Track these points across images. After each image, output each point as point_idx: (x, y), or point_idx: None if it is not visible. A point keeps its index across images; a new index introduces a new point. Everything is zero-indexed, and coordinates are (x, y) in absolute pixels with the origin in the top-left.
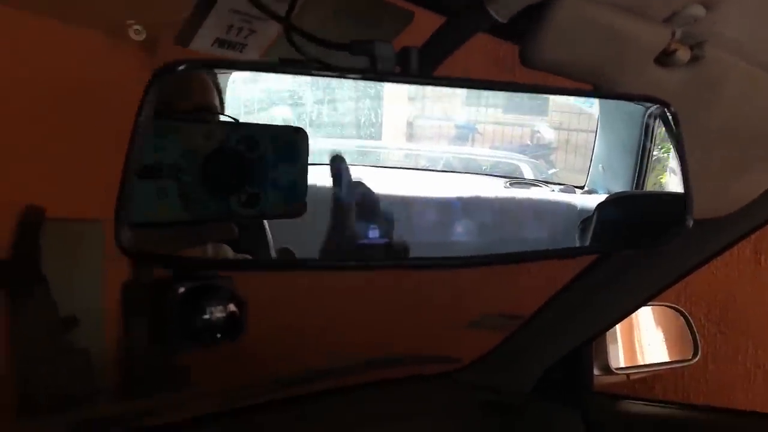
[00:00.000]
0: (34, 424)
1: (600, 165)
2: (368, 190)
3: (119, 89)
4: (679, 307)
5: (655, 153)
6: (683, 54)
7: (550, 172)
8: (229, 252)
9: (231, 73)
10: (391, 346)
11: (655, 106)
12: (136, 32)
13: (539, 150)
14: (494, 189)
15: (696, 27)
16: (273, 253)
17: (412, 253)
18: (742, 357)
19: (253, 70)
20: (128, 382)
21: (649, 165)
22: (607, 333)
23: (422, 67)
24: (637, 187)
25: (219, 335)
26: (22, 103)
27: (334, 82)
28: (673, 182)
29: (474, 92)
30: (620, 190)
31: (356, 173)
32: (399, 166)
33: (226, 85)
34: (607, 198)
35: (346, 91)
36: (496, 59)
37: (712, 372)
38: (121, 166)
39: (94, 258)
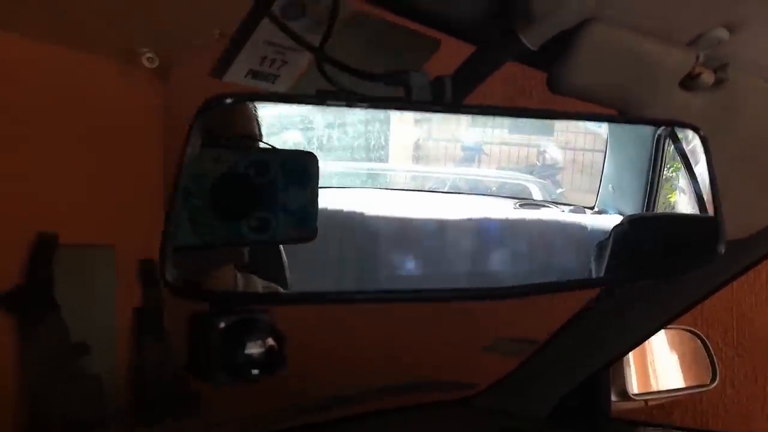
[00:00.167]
0: None
1: (610, 185)
2: (398, 221)
3: (131, 115)
4: (695, 330)
5: (664, 172)
6: (707, 77)
7: (558, 191)
8: (258, 282)
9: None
10: (407, 372)
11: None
12: (149, 60)
13: (546, 170)
14: (504, 210)
15: (719, 50)
16: (288, 280)
17: (442, 284)
18: (761, 381)
19: (292, 102)
20: (140, 407)
21: (659, 185)
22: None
23: (455, 96)
24: (648, 207)
25: (258, 370)
26: (35, 131)
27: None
28: (683, 201)
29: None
30: (632, 211)
31: (368, 196)
32: (407, 188)
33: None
34: (623, 220)
35: (356, 114)
36: (506, 78)
37: (731, 397)
38: (149, 195)
39: (107, 283)
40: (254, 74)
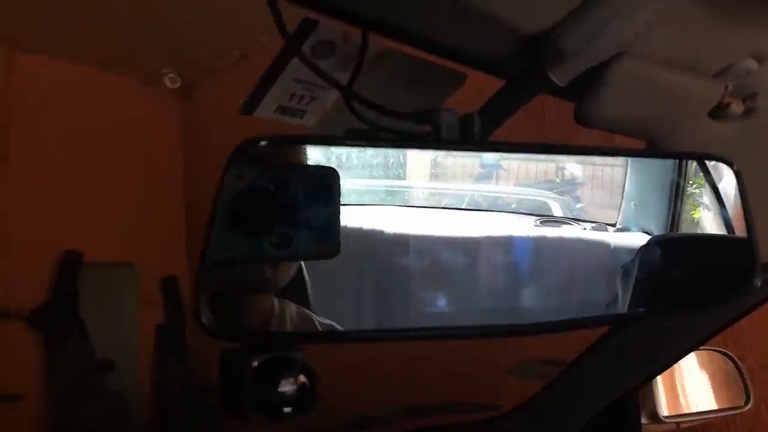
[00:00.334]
0: None
1: (632, 202)
2: (419, 238)
3: (152, 135)
4: (726, 351)
5: (687, 189)
6: (737, 107)
7: (578, 206)
8: (292, 307)
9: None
10: (431, 393)
11: None
12: (172, 80)
13: (565, 185)
14: (526, 228)
15: (749, 80)
16: (311, 299)
17: (465, 309)
18: None
19: (325, 145)
20: (162, 423)
21: (683, 201)
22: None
23: (483, 132)
24: (672, 226)
25: (291, 408)
26: (63, 152)
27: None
28: (707, 218)
29: None
30: (656, 229)
31: (387, 214)
32: (426, 205)
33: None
34: (649, 241)
35: None
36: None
37: (766, 419)
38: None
39: (130, 300)
40: (282, 110)
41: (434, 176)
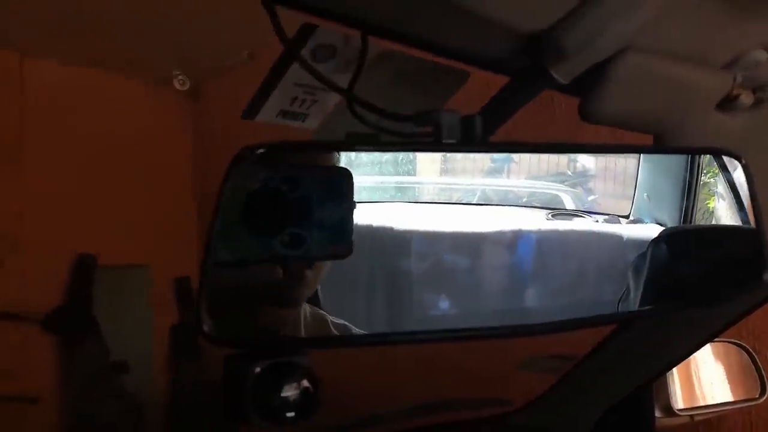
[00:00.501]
0: None
1: (645, 193)
2: (429, 235)
3: (163, 137)
4: (741, 343)
5: (701, 178)
6: (746, 98)
7: (590, 198)
8: (306, 308)
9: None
10: (442, 389)
11: None
12: (181, 82)
13: (577, 178)
14: (537, 222)
15: (758, 71)
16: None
17: (476, 309)
18: None
19: (324, 150)
20: (176, 425)
21: (697, 191)
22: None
23: (485, 131)
24: (686, 218)
25: (294, 413)
26: (75, 155)
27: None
28: (721, 207)
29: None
30: (669, 219)
31: (398, 210)
32: (437, 200)
33: None
34: (660, 234)
35: None
36: None
37: None
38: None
39: (143, 302)
40: (284, 114)
41: (444, 171)
